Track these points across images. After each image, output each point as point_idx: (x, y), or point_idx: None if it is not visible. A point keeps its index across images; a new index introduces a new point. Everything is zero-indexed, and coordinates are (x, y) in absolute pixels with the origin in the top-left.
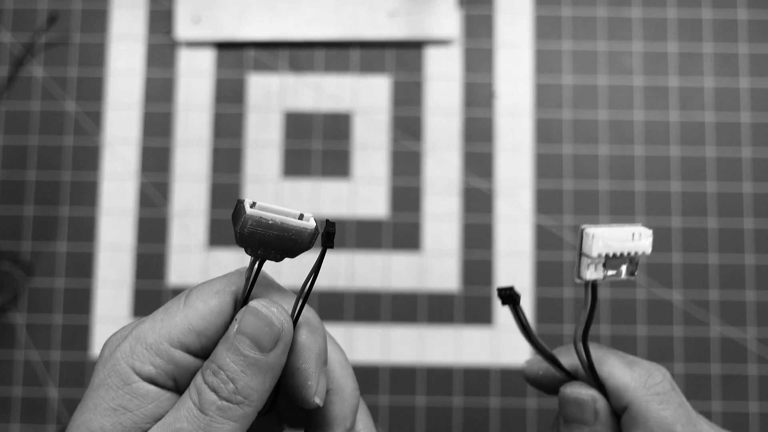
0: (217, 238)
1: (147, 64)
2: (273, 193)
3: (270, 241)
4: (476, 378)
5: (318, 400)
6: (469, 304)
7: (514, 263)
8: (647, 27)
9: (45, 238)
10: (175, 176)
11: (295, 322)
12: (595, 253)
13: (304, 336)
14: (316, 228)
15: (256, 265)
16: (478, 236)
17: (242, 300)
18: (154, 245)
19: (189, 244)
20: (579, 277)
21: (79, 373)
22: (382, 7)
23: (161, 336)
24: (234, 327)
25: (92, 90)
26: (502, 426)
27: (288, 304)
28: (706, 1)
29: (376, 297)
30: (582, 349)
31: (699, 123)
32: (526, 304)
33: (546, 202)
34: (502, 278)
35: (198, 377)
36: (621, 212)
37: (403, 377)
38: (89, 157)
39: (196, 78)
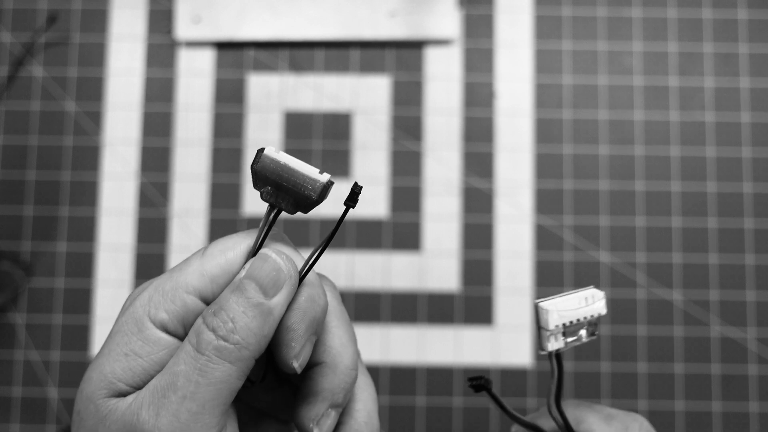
0: (216, 238)
1: (147, 64)
2: None
3: (283, 187)
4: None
5: (296, 365)
6: (469, 304)
7: (514, 263)
8: (647, 27)
9: (45, 238)
10: (175, 176)
11: (301, 279)
12: (551, 326)
13: (304, 298)
14: (329, 182)
15: (270, 216)
16: (478, 236)
17: (254, 250)
18: (154, 245)
19: (189, 244)
20: (542, 349)
21: (79, 373)
22: (382, 7)
23: (177, 283)
24: (242, 273)
25: (92, 90)
26: (502, 426)
27: (299, 262)
28: (706, 1)
29: (376, 297)
30: (557, 415)
31: (699, 123)
32: (526, 304)
33: (546, 202)
34: (502, 278)
35: (198, 320)
36: (621, 212)
37: (403, 377)
38: (89, 157)
39: (196, 78)
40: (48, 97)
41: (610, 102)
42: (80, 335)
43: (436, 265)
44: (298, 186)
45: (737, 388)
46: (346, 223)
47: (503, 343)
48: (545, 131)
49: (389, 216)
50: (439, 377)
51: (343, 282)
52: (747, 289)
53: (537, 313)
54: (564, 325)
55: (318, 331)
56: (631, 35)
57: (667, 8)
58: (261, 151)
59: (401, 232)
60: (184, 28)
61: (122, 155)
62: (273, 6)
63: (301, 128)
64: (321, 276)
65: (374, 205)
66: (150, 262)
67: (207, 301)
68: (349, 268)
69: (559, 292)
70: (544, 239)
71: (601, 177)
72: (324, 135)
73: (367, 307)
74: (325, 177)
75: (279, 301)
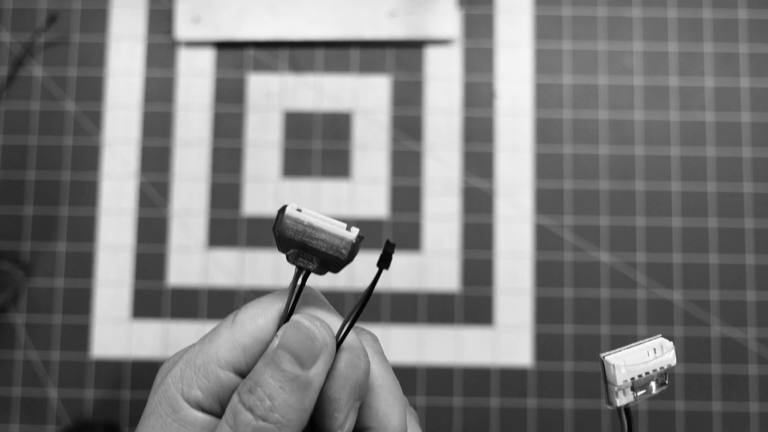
0: (217, 238)
1: (147, 64)
2: (273, 193)
3: (309, 248)
4: (476, 378)
5: None
6: (469, 304)
7: (514, 263)
8: (647, 27)
9: (45, 238)
10: (175, 176)
11: (338, 343)
12: (620, 381)
13: (343, 364)
14: (359, 237)
15: (299, 279)
16: (478, 236)
17: (285, 316)
18: (154, 245)
19: (189, 244)
20: (609, 404)
21: (78, 373)
22: (382, 7)
23: (209, 357)
24: (274, 342)
25: (92, 90)
26: (502, 426)
27: (335, 324)
28: (706, 1)
29: (376, 297)
30: None
31: (699, 123)
32: (526, 304)
33: (546, 202)
34: (502, 278)
35: (234, 398)
36: (621, 212)
37: (403, 377)
38: (89, 157)
39: (196, 78)
40: (48, 97)
41: (610, 102)
42: (80, 335)
43: (436, 265)
44: (325, 247)
45: (737, 388)
46: (345, 223)
47: (503, 343)
48: (545, 131)
49: (389, 216)
50: (439, 377)
51: (342, 282)
52: (747, 289)
53: (603, 367)
54: (632, 379)
55: (361, 396)
56: (631, 35)
57: (667, 8)
58: (282, 211)
59: (401, 232)
60: (184, 28)
61: (122, 155)
62: (273, 6)
63: (301, 128)
64: (360, 330)
65: (374, 205)
66: (150, 262)
67: (242, 374)
68: (349, 268)
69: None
70: (544, 239)
71: (601, 177)
72: (324, 135)
73: (367, 307)
74: (353, 233)
75: (317, 371)
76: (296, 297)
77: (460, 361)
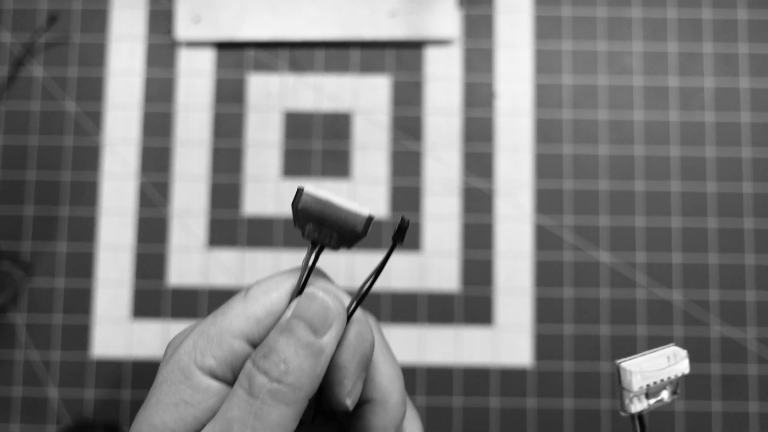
0: (217, 238)
1: (147, 64)
2: (273, 193)
3: (326, 223)
4: (476, 378)
5: (349, 402)
6: (469, 304)
7: (514, 263)
8: (647, 27)
9: (45, 238)
10: (175, 176)
11: (349, 316)
12: (635, 388)
13: (353, 335)
14: (371, 216)
15: (313, 254)
16: (478, 236)
17: (298, 289)
18: (154, 245)
19: (189, 244)
20: (623, 410)
21: (79, 373)
22: (382, 7)
23: (222, 328)
24: (288, 312)
25: (92, 90)
26: (502, 426)
27: (345, 300)
28: (706, 1)
29: (376, 297)
30: None
31: (699, 123)
32: (526, 304)
33: (546, 202)
34: (502, 278)
35: (248, 364)
36: (621, 212)
37: (403, 377)
38: (89, 157)
39: (196, 78)
40: (48, 97)
41: (610, 102)
42: (80, 335)
43: (436, 265)
44: (341, 221)
45: (737, 388)
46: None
47: (503, 343)
48: (545, 131)
49: (389, 216)
50: (439, 377)
51: (343, 282)
52: (747, 289)
53: (619, 374)
54: (647, 386)
55: (367, 367)
56: (631, 35)
57: (667, 8)
58: (301, 190)
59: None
60: (184, 28)
61: (122, 155)
62: (273, 6)
63: (301, 128)
64: (363, 311)
65: (374, 205)
66: (150, 262)
67: (254, 344)
68: (349, 269)
69: (561, 291)
70: (544, 239)
71: (601, 177)
72: (324, 135)
73: (367, 307)
74: (366, 211)
75: (330, 339)
76: (309, 271)
77: (460, 361)
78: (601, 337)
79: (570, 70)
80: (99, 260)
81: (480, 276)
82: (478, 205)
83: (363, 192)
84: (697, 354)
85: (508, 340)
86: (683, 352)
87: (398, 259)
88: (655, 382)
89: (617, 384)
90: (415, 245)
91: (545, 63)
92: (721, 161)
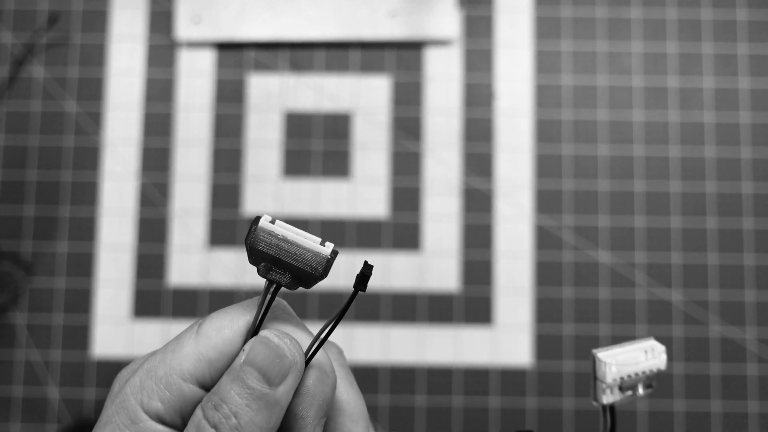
0: (217, 238)
1: (147, 65)
2: (273, 193)
3: (282, 262)
4: (476, 378)
5: None
6: (469, 304)
7: (514, 263)
8: (647, 27)
9: (45, 238)
10: (175, 176)
11: (307, 361)
12: (609, 379)
13: (311, 381)
14: (333, 253)
15: (269, 292)
16: (478, 236)
17: (252, 329)
18: (154, 245)
19: (189, 244)
20: (595, 400)
21: (79, 373)
22: (382, 7)
23: (171, 368)
24: (241, 357)
25: (92, 90)
26: (501, 426)
27: (304, 341)
28: (706, 1)
29: (376, 297)
30: None
31: (699, 123)
32: (526, 304)
33: (546, 202)
34: (502, 278)
35: (197, 412)
36: (621, 212)
37: (403, 377)
38: (89, 157)
39: (196, 78)
40: (49, 97)
41: (610, 102)
42: (80, 335)
43: (436, 265)
44: (298, 262)
45: (737, 388)
46: (345, 223)
47: (503, 343)
48: (545, 131)
49: (389, 216)
50: (439, 377)
51: (342, 282)
52: (747, 289)
53: (594, 364)
54: (621, 378)
55: (327, 412)
56: (631, 35)
57: (666, 8)
58: (255, 222)
59: (401, 232)
60: (184, 28)
61: (122, 155)
62: (273, 6)
63: (301, 128)
64: (326, 343)
65: (374, 205)
66: (150, 262)
67: (206, 387)
68: (349, 268)
69: (560, 291)
70: (544, 239)
71: (601, 177)
72: (324, 135)
73: (367, 307)
74: (327, 249)
75: (285, 390)
76: (265, 310)
77: (459, 360)
78: (600, 337)
79: (570, 71)
80: (99, 260)
81: (480, 276)
82: (478, 205)
83: (363, 192)
84: (696, 354)
85: (507, 340)
86: (661, 347)
87: (398, 259)
88: (630, 376)
89: (592, 373)
90: (415, 245)
91: (545, 63)
92: (721, 161)
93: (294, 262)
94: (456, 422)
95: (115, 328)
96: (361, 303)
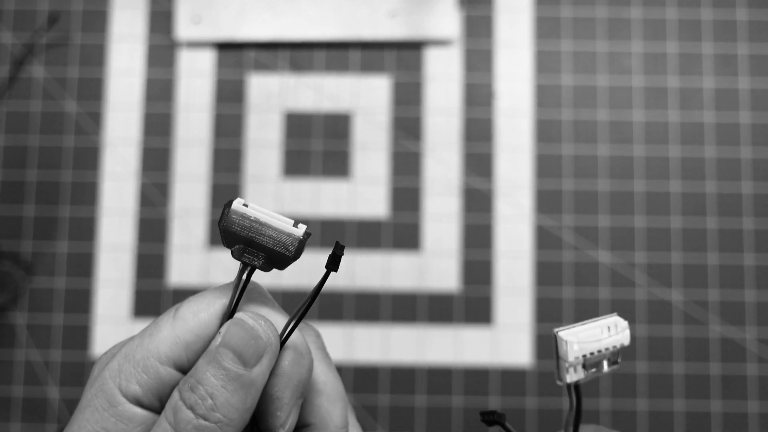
0: (217, 238)
1: (147, 65)
2: (273, 193)
3: (255, 244)
4: (476, 378)
5: None
6: (469, 304)
7: (514, 263)
8: (647, 27)
9: (45, 238)
10: (175, 176)
11: (282, 342)
12: (571, 358)
13: (287, 362)
14: (306, 235)
15: (244, 275)
16: (478, 236)
17: (228, 312)
18: (154, 245)
19: (189, 244)
20: (560, 380)
21: (79, 373)
22: (382, 7)
23: (149, 352)
24: (217, 340)
25: (92, 90)
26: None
27: (279, 322)
28: (706, 1)
29: (376, 297)
30: None
31: (699, 123)
32: (526, 304)
33: (546, 202)
34: (502, 278)
35: (174, 395)
36: (621, 212)
37: (403, 377)
38: (89, 157)
39: (196, 78)
40: (48, 97)
41: (610, 102)
42: (81, 335)
43: (436, 265)
44: (271, 243)
45: (737, 388)
46: (345, 224)
47: (503, 343)
48: (545, 131)
49: (389, 216)
50: (439, 377)
51: (342, 282)
52: (747, 289)
53: (556, 343)
54: (584, 356)
55: (304, 393)
56: (631, 35)
57: (666, 8)
58: (228, 205)
59: (401, 232)
60: (184, 28)
61: (122, 155)
62: (273, 6)
63: (301, 128)
64: (303, 325)
65: (374, 205)
66: (150, 262)
67: (183, 370)
68: (349, 268)
69: (560, 291)
70: (544, 239)
71: (601, 177)
72: (324, 135)
73: (367, 307)
74: (300, 230)
75: (260, 371)
76: (240, 293)
77: (459, 360)
78: None
79: (570, 71)
80: (99, 260)
81: (480, 276)
82: (478, 205)
83: (363, 192)
84: (696, 354)
85: (507, 340)
86: (624, 323)
87: (398, 259)
88: (593, 353)
89: (554, 352)
90: (415, 245)
91: (545, 63)
92: (721, 161)
93: (267, 244)
94: (456, 422)
95: (115, 328)
96: (361, 303)
